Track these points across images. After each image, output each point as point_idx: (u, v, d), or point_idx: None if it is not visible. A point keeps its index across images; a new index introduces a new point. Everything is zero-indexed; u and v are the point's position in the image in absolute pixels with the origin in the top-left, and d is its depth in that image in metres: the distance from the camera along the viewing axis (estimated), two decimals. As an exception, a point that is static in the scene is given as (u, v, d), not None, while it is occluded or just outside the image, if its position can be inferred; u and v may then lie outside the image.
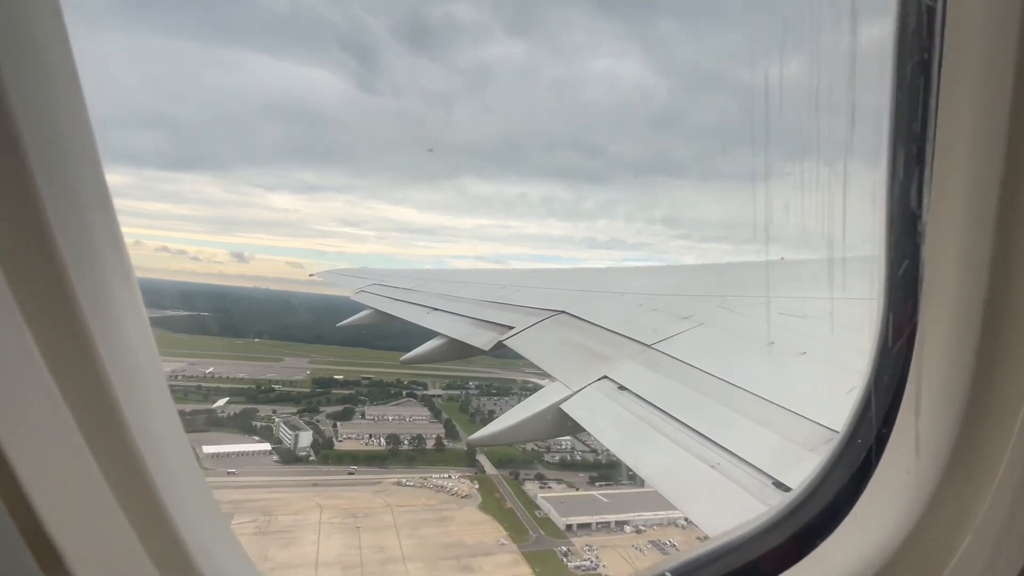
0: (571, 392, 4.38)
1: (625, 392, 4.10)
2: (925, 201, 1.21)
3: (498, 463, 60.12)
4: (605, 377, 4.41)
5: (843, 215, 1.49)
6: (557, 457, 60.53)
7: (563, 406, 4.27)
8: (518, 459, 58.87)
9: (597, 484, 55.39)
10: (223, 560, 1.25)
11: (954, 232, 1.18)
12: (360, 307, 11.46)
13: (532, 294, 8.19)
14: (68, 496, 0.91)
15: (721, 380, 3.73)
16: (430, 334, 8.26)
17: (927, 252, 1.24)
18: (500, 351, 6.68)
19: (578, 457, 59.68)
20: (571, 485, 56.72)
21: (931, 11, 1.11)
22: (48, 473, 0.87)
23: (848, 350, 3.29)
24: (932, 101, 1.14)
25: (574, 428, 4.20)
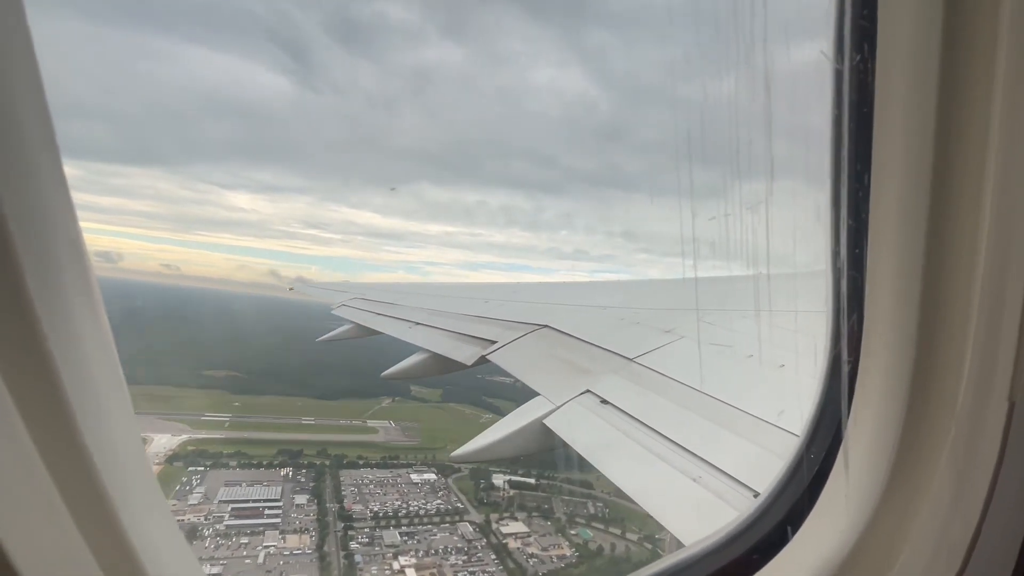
0: (554, 407, 4.36)
1: (608, 406, 4.10)
2: (865, 213, 1.29)
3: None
4: (588, 391, 4.41)
5: (814, 230, 1.54)
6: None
7: (546, 421, 4.25)
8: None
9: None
10: (169, 561, 1.20)
11: (892, 266, 1.27)
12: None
13: (515, 308, 8.18)
14: (13, 493, 0.87)
15: (702, 393, 3.75)
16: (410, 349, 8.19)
17: (869, 271, 1.31)
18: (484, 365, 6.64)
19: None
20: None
21: (864, 29, 1.19)
22: None
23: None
24: (869, 116, 1.22)
25: (557, 443, 4.18)
